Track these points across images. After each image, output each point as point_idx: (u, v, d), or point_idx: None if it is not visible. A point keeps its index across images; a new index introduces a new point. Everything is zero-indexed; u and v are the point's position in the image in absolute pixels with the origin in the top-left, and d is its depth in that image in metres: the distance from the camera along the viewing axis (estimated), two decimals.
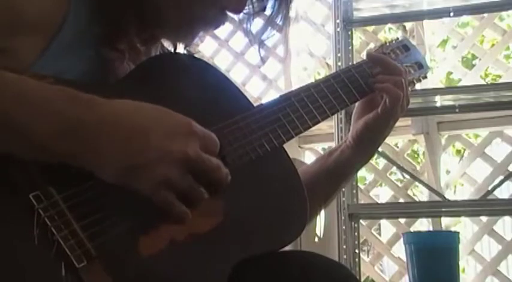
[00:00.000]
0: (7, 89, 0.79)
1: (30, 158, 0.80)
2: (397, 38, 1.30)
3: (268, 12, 1.05)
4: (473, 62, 4.36)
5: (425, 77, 1.32)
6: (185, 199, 0.85)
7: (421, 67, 1.31)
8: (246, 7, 1.03)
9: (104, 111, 0.82)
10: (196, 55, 1.08)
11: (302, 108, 1.07)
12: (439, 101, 2.59)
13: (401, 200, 3.20)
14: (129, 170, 0.81)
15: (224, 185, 0.88)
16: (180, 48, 1.07)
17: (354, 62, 2.51)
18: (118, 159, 0.81)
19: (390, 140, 3.24)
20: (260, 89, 3.58)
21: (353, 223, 2.54)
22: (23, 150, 0.80)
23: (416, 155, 4.56)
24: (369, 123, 1.18)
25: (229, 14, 1.02)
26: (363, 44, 3.41)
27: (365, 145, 1.21)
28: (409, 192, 3.32)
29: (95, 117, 0.81)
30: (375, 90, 1.18)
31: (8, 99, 0.78)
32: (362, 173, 4.06)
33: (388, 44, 1.29)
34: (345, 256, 2.49)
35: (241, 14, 1.04)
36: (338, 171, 1.21)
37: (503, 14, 4.30)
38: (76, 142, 0.80)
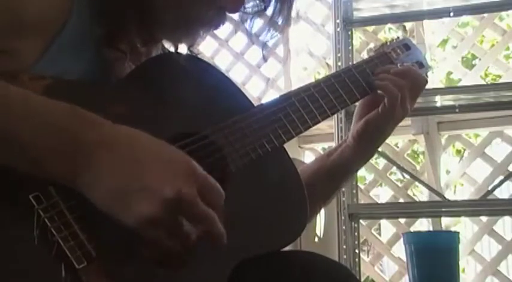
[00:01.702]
0: (11, 104, 0.78)
1: (27, 172, 0.79)
2: (398, 37, 1.30)
3: (269, 12, 1.05)
4: (473, 62, 4.36)
5: (426, 76, 1.31)
6: (172, 236, 0.80)
7: (421, 66, 1.30)
8: (246, 7, 1.03)
9: (105, 132, 0.80)
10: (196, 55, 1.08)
11: (303, 108, 1.07)
12: (439, 101, 2.59)
13: (401, 200, 3.19)
14: (116, 197, 0.78)
15: (218, 243, 0.81)
16: (182, 49, 1.06)
17: (354, 62, 2.53)
18: (107, 183, 0.78)
19: (390, 140, 3.24)
20: (260, 89, 3.58)
21: (353, 223, 2.54)
22: (20, 164, 0.79)
23: (416, 155, 4.55)
24: (369, 123, 1.18)
25: (228, 13, 1.01)
26: (363, 44, 3.41)
27: (365, 145, 1.21)
28: (409, 192, 3.32)
29: (94, 137, 0.79)
30: (375, 88, 1.18)
31: (11, 114, 0.78)
32: (362, 173, 4.06)
33: (389, 43, 1.29)
34: (345, 256, 2.49)
35: (243, 14, 1.04)
36: (338, 171, 1.22)
37: (503, 14, 4.29)
38: (71, 159, 0.78)
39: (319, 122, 1.09)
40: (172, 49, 1.08)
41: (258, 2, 1.03)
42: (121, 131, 0.82)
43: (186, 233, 0.80)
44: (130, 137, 0.82)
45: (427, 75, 1.32)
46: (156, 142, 0.83)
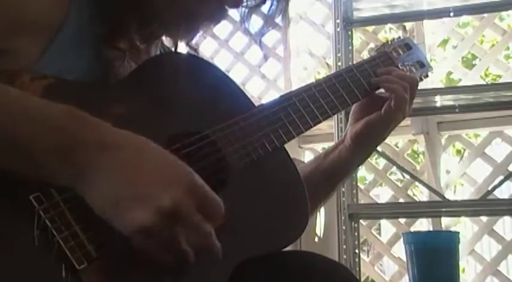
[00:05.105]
0: (10, 106, 0.78)
1: (29, 175, 0.78)
2: (399, 37, 1.30)
3: (267, 6, 1.05)
4: (473, 62, 4.36)
5: (426, 76, 1.32)
6: (167, 247, 0.78)
7: (422, 66, 1.30)
8: (245, 1, 1.02)
9: (104, 134, 0.79)
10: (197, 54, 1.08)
11: (303, 108, 1.07)
12: (439, 101, 2.59)
13: (401, 200, 3.19)
14: (110, 201, 0.77)
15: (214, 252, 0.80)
16: (182, 46, 1.06)
17: (354, 62, 2.52)
18: (103, 187, 0.77)
19: (390, 140, 3.24)
20: (260, 89, 3.58)
21: (353, 223, 2.54)
22: (21, 167, 0.78)
23: (416, 155, 4.55)
24: (370, 125, 1.18)
25: (228, 8, 1.01)
26: (363, 44, 3.41)
27: (364, 146, 1.20)
28: (409, 192, 3.32)
29: (92, 138, 0.78)
30: (378, 89, 1.18)
31: (10, 116, 0.77)
32: (362, 173, 4.06)
33: (390, 42, 1.29)
34: (345, 256, 2.49)
35: (242, 8, 1.04)
36: (335, 172, 1.21)
37: (503, 14, 4.29)
38: (71, 161, 0.77)
39: (320, 122, 1.09)
40: (171, 45, 1.08)
41: None
42: (120, 134, 0.80)
43: (179, 244, 0.78)
44: (129, 140, 0.80)
45: (428, 75, 1.32)
46: (157, 150, 0.81)
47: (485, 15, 3.11)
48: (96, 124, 0.80)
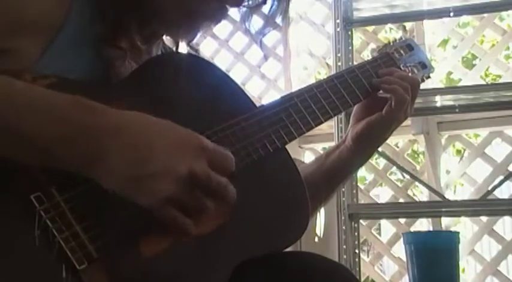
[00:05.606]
0: (14, 98, 0.79)
1: (36, 164, 0.80)
2: (401, 38, 1.30)
3: (268, 6, 1.05)
4: (473, 62, 4.36)
5: (428, 77, 1.32)
6: (190, 211, 0.83)
7: (424, 67, 1.30)
8: (246, 1, 1.02)
9: (111, 119, 0.81)
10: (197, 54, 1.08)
11: (305, 109, 1.07)
12: (439, 101, 2.59)
13: (401, 200, 3.19)
14: (130, 181, 0.80)
15: (230, 203, 0.86)
16: (182, 46, 1.06)
17: (354, 62, 2.52)
18: (120, 168, 0.79)
19: (390, 140, 3.23)
20: (260, 89, 3.58)
21: (353, 223, 2.54)
22: (29, 157, 0.79)
23: (416, 155, 4.55)
24: (371, 125, 1.17)
25: (229, 7, 1.01)
26: (363, 44, 3.41)
27: (365, 147, 1.20)
28: (409, 192, 3.32)
29: (100, 124, 0.80)
30: (380, 90, 1.18)
31: (16, 107, 0.78)
32: (362, 173, 4.06)
33: (392, 43, 1.28)
34: (345, 256, 2.49)
35: (242, 8, 1.04)
36: (336, 172, 1.21)
37: (503, 14, 4.29)
38: (80, 148, 0.79)
39: (321, 123, 1.09)
40: (172, 45, 1.08)
41: None
42: (125, 115, 0.83)
43: (203, 205, 0.83)
44: (135, 120, 0.83)
45: (429, 76, 1.32)
46: (161, 122, 0.84)
47: (485, 15, 3.11)
48: (102, 110, 0.81)
